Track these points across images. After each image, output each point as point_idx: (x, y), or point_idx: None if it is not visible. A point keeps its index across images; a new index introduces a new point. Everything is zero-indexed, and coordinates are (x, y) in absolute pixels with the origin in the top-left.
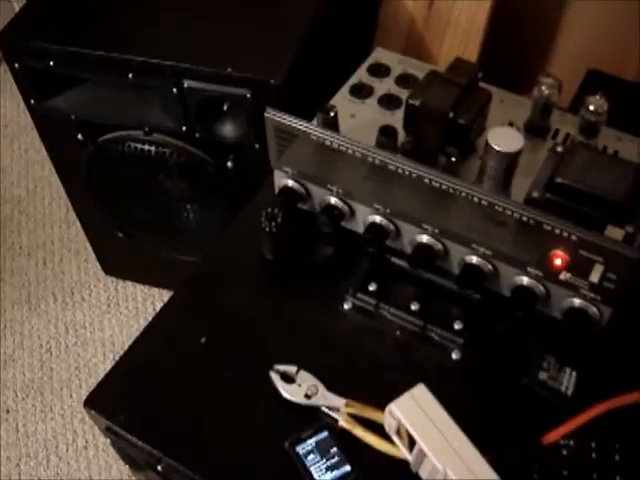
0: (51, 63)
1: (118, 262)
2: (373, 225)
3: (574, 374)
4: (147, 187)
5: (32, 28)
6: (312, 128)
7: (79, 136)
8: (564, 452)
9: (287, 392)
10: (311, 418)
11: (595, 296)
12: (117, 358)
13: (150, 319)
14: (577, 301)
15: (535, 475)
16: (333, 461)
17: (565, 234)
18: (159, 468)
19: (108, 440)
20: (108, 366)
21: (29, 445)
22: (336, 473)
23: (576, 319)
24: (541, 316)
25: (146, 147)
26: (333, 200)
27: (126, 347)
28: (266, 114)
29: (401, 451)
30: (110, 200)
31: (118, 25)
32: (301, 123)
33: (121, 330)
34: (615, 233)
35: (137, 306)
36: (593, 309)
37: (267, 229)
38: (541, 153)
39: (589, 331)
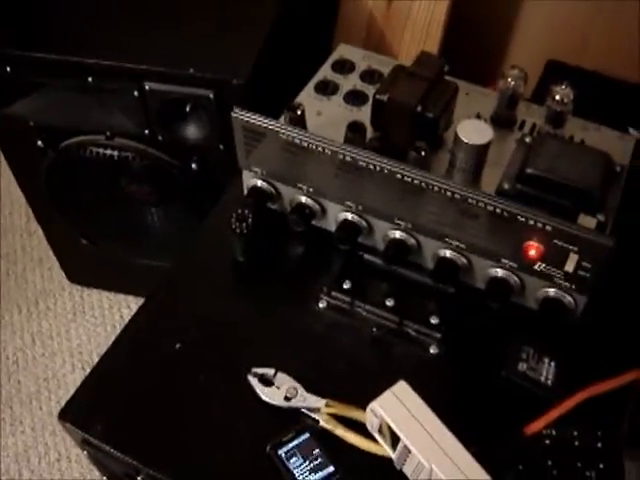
0: (8, 69)
1: (82, 270)
2: (345, 222)
3: (553, 364)
4: (110, 192)
5: None
6: (281, 126)
7: (39, 143)
8: (547, 442)
9: (266, 395)
10: (292, 420)
11: (570, 285)
12: (86, 368)
13: (117, 326)
14: (552, 291)
15: (520, 466)
16: (316, 463)
17: (539, 225)
18: (138, 479)
19: (81, 452)
20: (77, 376)
21: (0, 460)
22: (320, 474)
23: (551, 309)
24: (517, 307)
25: (108, 152)
26: (303, 199)
27: (94, 356)
28: (233, 114)
29: (384, 449)
30: (72, 207)
31: (76, 28)
32: (269, 122)
33: (89, 339)
34: (587, 222)
35: (104, 313)
36: (568, 298)
37: (238, 231)
38: (509, 144)
39: (565, 320)
